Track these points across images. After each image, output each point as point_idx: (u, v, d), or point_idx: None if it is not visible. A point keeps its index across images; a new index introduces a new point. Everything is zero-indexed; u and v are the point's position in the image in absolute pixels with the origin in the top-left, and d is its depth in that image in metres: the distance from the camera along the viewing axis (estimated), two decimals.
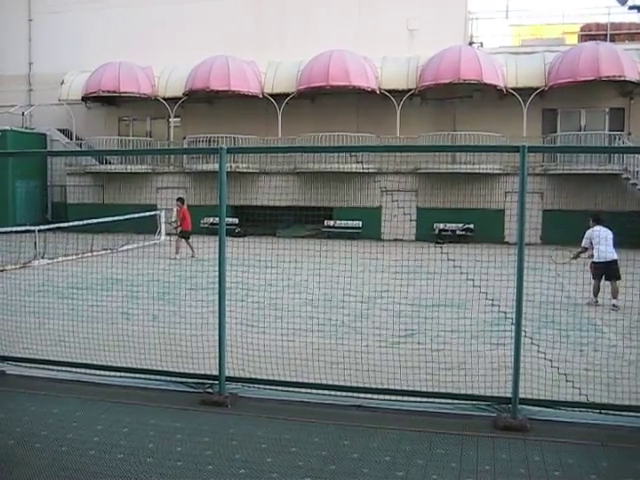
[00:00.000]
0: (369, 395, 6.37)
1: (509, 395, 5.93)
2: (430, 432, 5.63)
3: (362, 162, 26.59)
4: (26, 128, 34.90)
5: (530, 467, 4.95)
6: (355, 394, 6.39)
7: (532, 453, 5.20)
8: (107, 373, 7.02)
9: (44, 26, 36.77)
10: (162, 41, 33.36)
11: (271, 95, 30.82)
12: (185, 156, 31.37)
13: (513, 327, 5.90)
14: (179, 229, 21.19)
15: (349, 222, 28.84)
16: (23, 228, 20.30)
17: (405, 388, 6.43)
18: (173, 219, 22.11)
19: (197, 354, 7.30)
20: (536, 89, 28.17)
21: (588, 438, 5.52)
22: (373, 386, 6.51)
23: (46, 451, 5.20)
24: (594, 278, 12.55)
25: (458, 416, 6.02)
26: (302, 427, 5.75)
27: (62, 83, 33.69)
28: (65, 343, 7.96)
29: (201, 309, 9.66)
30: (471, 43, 33.29)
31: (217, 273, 6.50)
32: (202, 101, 32.44)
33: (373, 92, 29.58)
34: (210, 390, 6.50)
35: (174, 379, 6.75)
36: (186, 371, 6.88)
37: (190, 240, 20.39)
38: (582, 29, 34.56)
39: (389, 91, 29.54)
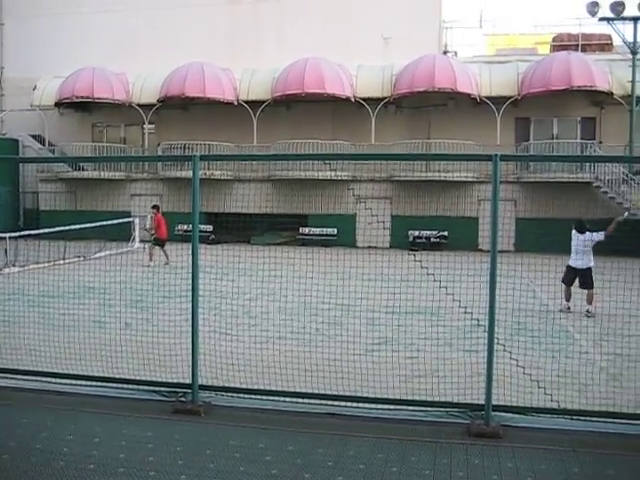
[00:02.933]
0: (343, 403, 6.37)
1: (482, 402, 5.97)
2: (404, 439, 5.63)
3: (335, 170, 26.67)
4: None
5: (503, 473, 4.98)
6: (329, 402, 6.38)
7: (505, 459, 5.23)
8: (78, 382, 6.93)
9: (16, 30, 36.38)
10: (137, 47, 33.18)
11: (246, 102, 30.79)
12: (160, 163, 31.19)
13: (486, 334, 5.94)
14: (153, 236, 21.02)
15: (324, 229, 28.87)
16: None
17: (379, 396, 6.43)
18: (147, 226, 21.98)
19: (170, 362, 7.25)
20: (509, 98, 28.48)
21: (560, 444, 5.56)
22: (347, 394, 6.52)
23: (15, 462, 5.11)
24: (563, 282, 12.66)
25: (432, 423, 6.04)
26: (276, 435, 5.73)
27: (35, 88, 33.35)
28: (36, 352, 7.85)
29: (174, 317, 9.59)
30: (445, 52, 33.59)
31: (190, 281, 6.46)
32: (177, 108, 32.32)
33: (348, 100, 29.69)
34: (183, 399, 6.45)
35: (147, 388, 6.69)
36: (159, 379, 6.82)
37: (165, 247, 20.25)
38: (554, 39, 35.01)
39: (364, 99, 29.67)
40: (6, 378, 7.13)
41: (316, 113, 30.70)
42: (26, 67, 34.72)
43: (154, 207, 21.64)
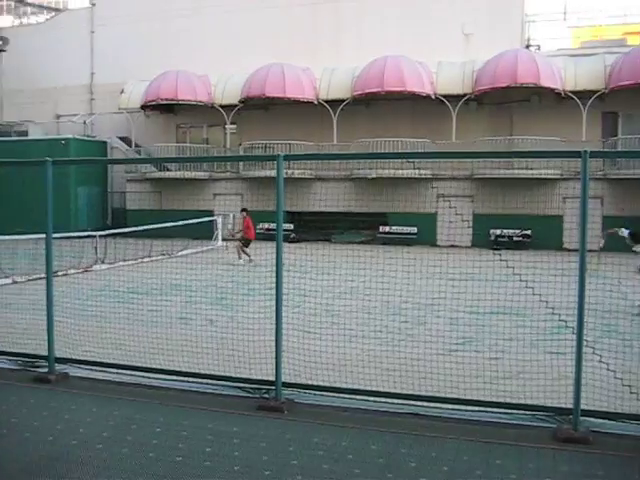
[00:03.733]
0: (425, 403, 6.30)
1: (570, 406, 5.79)
2: (488, 442, 5.53)
3: (419, 168, 26.37)
4: (88, 136, 35.86)
5: None
6: (411, 402, 6.34)
7: (596, 467, 5.06)
8: (165, 377, 7.13)
9: (105, 37, 37.75)
10: (218, 49, 33.85)
11: (326, 101, 30.93)
12: (241, 162, 31.73)
13: (574, 336, 5.76)
14: (240, 235, 21.18)
15: (404, 228, 28.68)
16: (84, 233, 20.82)
17: (462, 397, 6.34)
18: (234, 229, 22.25)
19: (253, 359, 7.35)
20: (596, 92, 27.53)
21: None
22: (430, 394, 6.45)
23: (107, 452, 5.30)
24: None
25: (517, 426, 5.91)
26: (359, 434, 5.73)
27: (122, 92, 34.50)
28: (125, 347, 8.12)
29: (257, 314, 9.73)
30: (528, 46, 32.80)
31: (272, 279, 6.54)
32: (258, 108, 32.77)
33: (428, 97, 29.39)
34: (266, 395, 6.53)
35: (231, 384, 6.81)
36: (243, 376, 6.93)
37: (247, 249, 20.48)
38: None
39: (445, 96, 29.32)
40: (98, 371, 7.41)
41: (396, 111, 30.53)
42: (114, 72, 35.96)
43: (243, 210, 21.77)
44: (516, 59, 27.88)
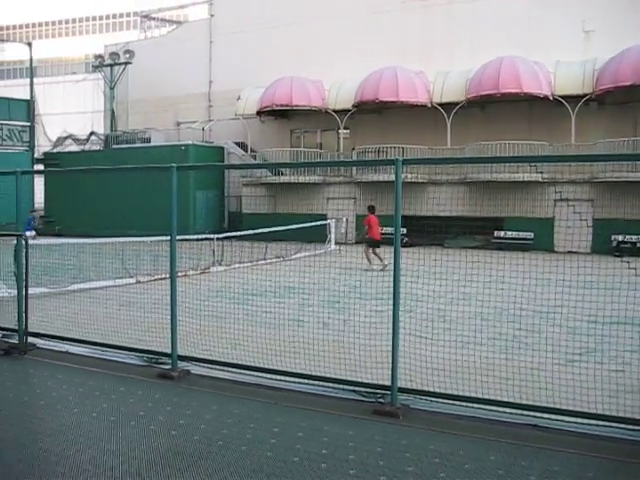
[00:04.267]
0: (545, 414, 6.10)
1: None
2: (615, 460, 5.28)
3: (541, 172, 25.52)
4: (206, 142, 37.15)
5: None
6: (530, 412, 6.15)
7: None
8: (282, 378, 7.26)
9: (223, 47, 39.05)
10: (332, 55, 34.22)
11: (440, 104, 30.61)
12: (354, 167, 31.89)
13: None
14: (366, 237, 20.47)
15: (520, 233, 27.87)
16: (202, 236, 21.54)
17: (585, 410, 6.09)
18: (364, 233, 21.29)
19: (367, 363, 7.37)
20: None
21: None
22: (549, 405, 6.24)
23: (227, 449, 5.47)
24: None
25: None
26: (476, 444, 5.62)
27: (238, 99, 35.53)
28: (242, 347, 8.34)
29: (370, 318, 9.75)
30: None
31: (385, 283, 6.53)
32: (371, 112, 32.87)
33: (546, 98, 28.48)
34: (382, 400, 6.53)
35: (346, 387, 6.85)
36: (358, 380, 6.96)
37: (378, 250, 19.70)
38: None
39: (563, 97, 28.31)
40: (217, 369, 7.66)
41: (512, 113, 29.81)
42: (231, 80, 37.11)
43: (370, 208, 21.03)
44: None
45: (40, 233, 27.68)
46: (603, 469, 5.12)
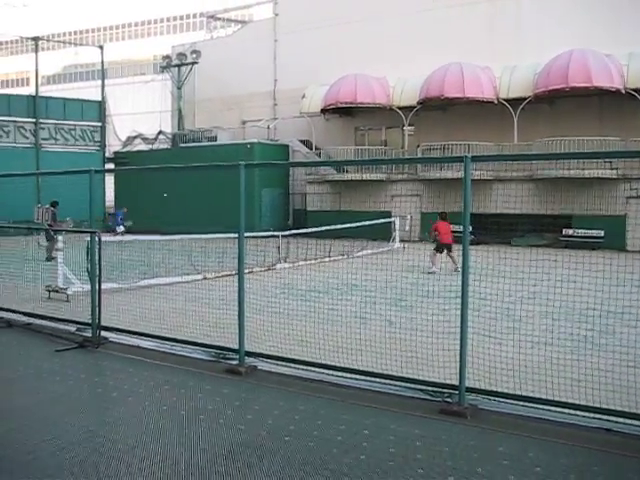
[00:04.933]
0: (618, 418, 5.92)
1: None
2: None
3: (617, 168, 24.74)
4: (271, 140, 37.48)
5: None
6: (602, 415, 5.98)
7: None
8: (347, 375, 7.27)
9: (287, 45, 39.27)
10: (396, 51, 33.98)
11: (506, 100, 30.06)
12: (419, 164, 31.64)
13: None
14: (435, 242, 19.79)
15: (589, 231, 27.11)
16: (268, 233, 21.74)
17: None
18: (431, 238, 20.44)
19: (433, 362, 7.30)
20: None
21: None
22: (623, 409, 6.04)
23: (294, 445, 5.51)
24: None
25: None
26: (546, 447, 5.49)
27: (303, 97, 35.68)
28: (307, 343, 8.38)
29: (435, 317, 9.65)
30: None
31: (451, 282, 6.45)
32: (436, 109, 32.53)
33: (618, 92, 27.60)
34: (449, 400, 6.46)
35: (412, 386, 6.81)
36: (424, 378, 6.90)
37: (452, 253, 19.24)
38: None
39: (636, 90, 27.37)
40: (283, 366, 7.72)
41: (581, 108, 29.02)
42: (295, 78, 37.29)
43: (441, 214, 20.39)
44: None
45: (109, 230, 28.45)
46: None
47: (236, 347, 7.96)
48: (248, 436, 5.70)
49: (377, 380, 7.08)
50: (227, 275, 14.00)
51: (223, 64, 41.08)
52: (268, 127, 38.70)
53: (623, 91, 27.64)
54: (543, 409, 6.21)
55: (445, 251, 19.40)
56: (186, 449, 5.41)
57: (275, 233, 21.41)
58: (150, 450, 5.39)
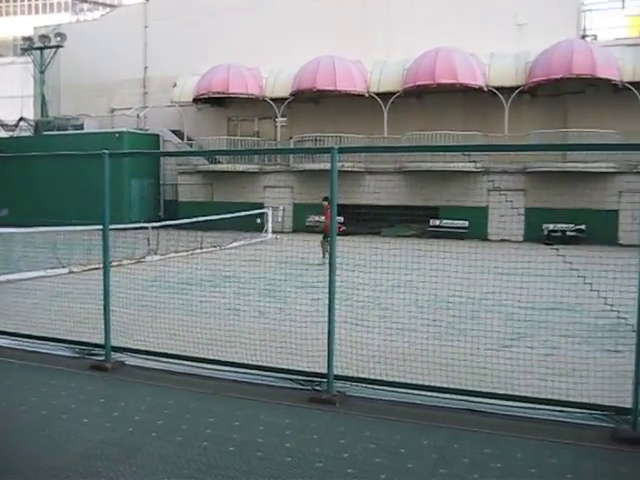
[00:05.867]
0: (479, 399, 6.23)
1: (629, 406, 5.64)
2: (543, 440, 5.43)
3: (476, 162, 25.97)
4: (141, 129, 36.45)
5: None
6: (464, 397, 6.27)
7: None
8: (218, 367, 7.20)
9: (158, 32, 38.28)
10: (269, 43, 33.97)
11: (377, 94, 30.81)
12: (292, 155, 31.88)
13: (634, 334, 5.62)
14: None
15: (455, 222, 28.37)
16: (137, 225, 21.15)
17: (516, 393, 6.24)
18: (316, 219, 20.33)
19: (304, 351, 7.37)
20: None
21: None
22: (483, 389, 6.36)
23: (163, 440, 5.39)
24: None
25: (573, 425, 5.79)
26: (411, 429, 5.70)
27: (174, 86, 34.96)
28: (178, 337, 8.24)
29: (307, 307, 9.76)
30: (584, 36, 32.09)
31: (322, 272, 6.54)
32: (309, 101, 32.83)
33: (480, 89, 29.01)
34: (318, 388, 6.55)
35: (283, 376, 6.85)
36: (294, 368, 6.96)
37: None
38: None
39: (497, 88, 28.89)
40: (153, 360, 7.54)
41: (447, 103, 30.24)
42: (167, 66, 36.46)
43: (325, 199, 19.00)
44: (571, 49, 27.31)
45: None
46: (532, 449, 5.26)
47: (102, 342, 7.69)
48: (114, 434, 5.52)
49: (248, 372, 7.06)
50: (94, 268, 13.50)
51: (91, 49, 39.43)
52: (138, 116, 37.60)
53: (485, 89, 29.04)
54: (410, 393, 6.42)
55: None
56: (48, 450, 5.17)
57: (145, 225, 20.86)
58: (10, 452, 5.11)
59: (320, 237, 19.03)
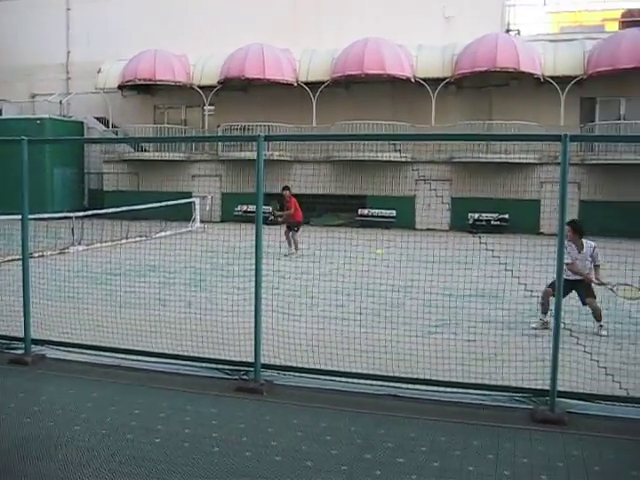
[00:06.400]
0: (404, 385, 6.34)
1: (547, 387, 5.86)
2: (466, 423, 5.59)
3: (400, 150, 26.34)
4: (64, 116, 35.33)
5: (569, 461, 4.89)
6: (390, 383, 6.37)
7: (571, 447, 5.13)
8: (144, 358, 7.10)
9: (82, 15, 37.08)
10: (197, 29, 33.42)
11: (306, 83, 30.75)
12: (220, 144, 31.54)
13: (552, 319, 5.82)
14: (283, 218, 18.46)
15: (383, 211, 28.67)
16: (61, 215, 20.55)
17: (440, 378, 6.38)
18: (279, 213, 18.79)
19: (231, 341, 7.34)
20: (574, 77, 27.62)
21: (628, 433, 5.43)
22: (407, 376, 6.48)
23: (86, 433, 5.28)
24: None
25: (494, 408, 5.97)
26: (337, 416, 5.76)
27: (99, 72, 33.98)
28: (103, 328, 8.08)
29: (234, 296, 9.70)
30: (508, 31, 32.81)
31: (250, 261, 6.52)
32: (237, 89, 32.49)
33: (408, 80, 29.34)
34: (245, 377, 6.54)
35: (210, 365, 6.80)
36: (221, 357, 6.92)
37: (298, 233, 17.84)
38: (623, 15, 33.81)
39: (424, 79, 29.26)
40: (76, 352, 7.36)
41: (376, 94, 30.46)
42: (91, 51, 35.39)
43: (286, 188, 18.71)
44: (496, 43, 27.89)
45: None
46: (455, 432, 5.40)
47: (22, 336, 7.45)
48: (35, 429, 5.37)
49: (174, 362, 6.99)
50: (14, 260, 13.07)
51: (9, 30, 37.84)
52: (60, 102, 36.38)
53: (413, 80, 29.39)
54: (337, 381, 6.48)
55: (295, 230, 17.92)
56: None
57: (69, 214, 20.29)
58: None
59: (282, 227, 17.93)
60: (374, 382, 6.39)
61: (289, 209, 18.39)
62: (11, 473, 4.60)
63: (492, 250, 6.52)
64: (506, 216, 27.20)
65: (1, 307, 9.07)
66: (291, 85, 30.89)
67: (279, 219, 18.39)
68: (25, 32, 37.39)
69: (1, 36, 37.66)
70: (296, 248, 17.25)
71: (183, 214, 24.61)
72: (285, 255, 16.25)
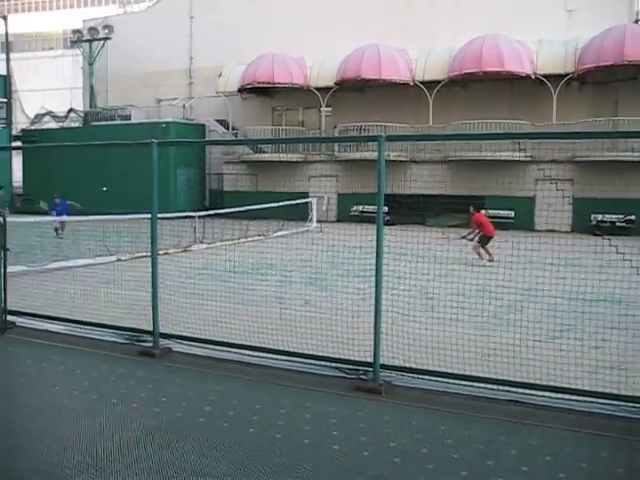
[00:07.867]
0: (525, 390, 6.14)
1: None
2: (593, 434, 5.34)
3: (525, 149, 25.55)
4: (187, 119, 36.78)
5: None
6: (511, 388, 6.19)
7: None
8: (265, 355, 7.25)
9: (204, 22, 38.51)
10: (314, 31, 33.88)
11: (422, 82, 30.51)
12: (336, 145, 31.79)
13: None
14: (472, 236, 18.24)
15: (501, 211, 27.92)
16: (184, 214, 21.37)
17: (564, 385, 6.14)
18: (466, 234, 18.66)
19: (350, 340, 7.37)
20: None
21: None
22: (530, 381, 6.28)
23: (209, 426, 5.46)
24: None
25: (625, 419, 5.67)
26: (457, 419, 5.66)
27: (220, 76, 35.15)
28: (224, 324, 8.31)
29: (352, 296, 9.75)
30: (637, 21, 31.18)
31: (368, 260, 6.52)
32: (353, 90, 32.68)
33: (528, 77, 28.49)
34: (364, 377, 6.54)
35: (329, 364, 6.86)
36: (340, 357, 6.96)
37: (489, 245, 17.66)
38: None
39: (545, 76, 28.33)
40: (199, 347, 7.63)
41: (494, 92, 29.78)
42: (212, 56, 36.68)
43: (474, 206, 19.21)
44: (623, 35, 26.57)
45: (18, 211, 27.27)
46: (582, 443, 5.17)
47: (150, 329, 7.81)
48: (162, 419, 5.61)
49: (294, 359, 7.09)
50: (142, 257, 13.72)
51: (137, 40, 39.91)
52: (184, 106, 37.93)
53: (533, 77, 28.52)
54: (455, 384, 6.37)
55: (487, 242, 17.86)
56: (99, 434, 5.27)
57: (191, 214, 21.09)
58: (62, 437, 5.23)
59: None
60: (494, 386, 6.22)
61: (478, 226, 18.17)
62: (140, 459, 4.82)
63: (623, 253, 6.21)
64: (632, 217, 25.86)
65: (131, 301, 9.56)
66: (407, 85, 30.73)
67: (469, 237, 18.19)
68: (151, 41, 39.26)
69: (129, 47, 39.70)
70: (480, 257, 17.08)
71: (300, 214, 24.98)
72: (484, 266, 15.34)
